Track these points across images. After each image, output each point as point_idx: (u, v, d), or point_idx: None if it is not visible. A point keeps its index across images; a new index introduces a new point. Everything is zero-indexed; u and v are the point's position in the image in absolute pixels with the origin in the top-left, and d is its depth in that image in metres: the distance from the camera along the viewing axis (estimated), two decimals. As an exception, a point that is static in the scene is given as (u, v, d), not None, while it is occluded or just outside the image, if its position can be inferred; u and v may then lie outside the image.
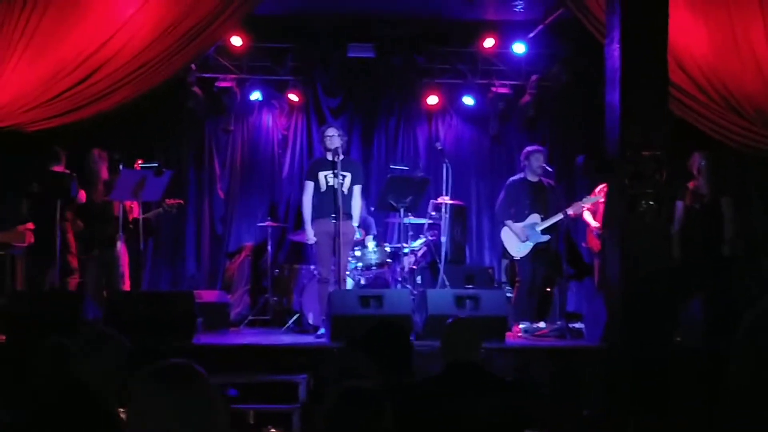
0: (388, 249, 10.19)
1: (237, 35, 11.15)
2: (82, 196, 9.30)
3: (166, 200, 9.70)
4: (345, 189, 8.89)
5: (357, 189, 9.11)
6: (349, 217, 8.99)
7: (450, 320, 4.79)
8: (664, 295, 7.92)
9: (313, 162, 9.42)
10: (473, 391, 4.39)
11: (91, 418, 3.50)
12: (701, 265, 9.34)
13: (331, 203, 8.74)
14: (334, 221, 8.69)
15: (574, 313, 10.21)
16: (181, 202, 10.21)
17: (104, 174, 9.44)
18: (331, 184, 8.84)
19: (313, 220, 8.98)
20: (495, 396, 4.44)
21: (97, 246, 9.34)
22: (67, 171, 9.31)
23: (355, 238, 9.51)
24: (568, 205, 9.52)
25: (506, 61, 12.18)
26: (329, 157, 8.90)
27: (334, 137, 8.93)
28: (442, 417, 4.02)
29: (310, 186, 9.01)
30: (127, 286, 9.26)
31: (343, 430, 2.62)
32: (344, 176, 8.88)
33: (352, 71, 12.13)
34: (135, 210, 9.45)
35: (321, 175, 8.90)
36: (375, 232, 10.68)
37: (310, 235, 8.96)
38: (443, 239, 10.05)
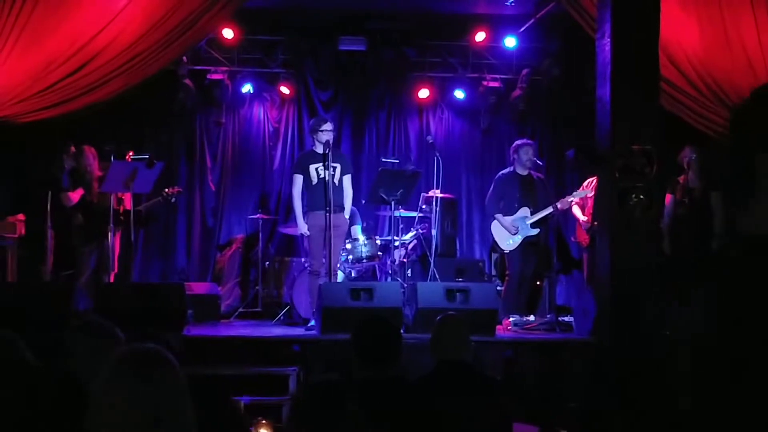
0: (378, 242, 10.19)
1: (228, 27, 11.15)
2: (75, 197, 9.26)
3: (166, 189, 9.70)
4: (336, 181, 8.90)
5: (347, 179, 9.12)
6: (342, 209, 9.00)
7: (439, 318, 4.80)
8: (654, 289, 7.96)
9: (302, 155, 9.39)
10: (462, 391, 4.41)
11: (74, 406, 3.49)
12: (690, 259, 9.38)
13: (323, 196, 8.74)
14: (335, 214, 8.72)
15: (563, 307, 10.25)
16: (180, 189, 10.20)
17: (97, 171, 9.41)
18: (322, 176, 8.83)
19: (306, 213, 8.98)
20: (483, 396, 4.46)
21: (93, 239, 9.33)
22: (64, 164, 9.34)
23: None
24: (558, 199, 9.55)
25: (497, 55, 12.18)
26: (319, 149, 8.90)
27: (330, 132, 8.95)
28: (431, 416, 4.03)
29: (299, 179, 8.99)
30: (112, 277, 9.24)
31: (311, 423, 2.67)
32: (335, 167, 8.88)
33: (343, 64, 12.13)
34: (127, 201, 9.43)
35: (312, 168, 8.89)
36: (360, 223, 10.66)
37: (304, 228, 8.95)
38: (434, 232, 10.07)
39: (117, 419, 2.26)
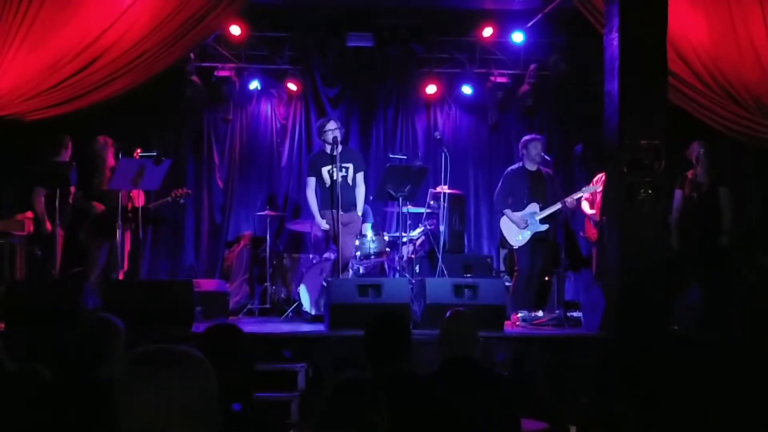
0: (386, 238, 10.18)
1: (236, 24, 11.14)
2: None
3: (175, 191, 9.70)
4: (350, 180, 8.95)
5: (360, 177, 9.17)
6: (355, 206, 9.05)
7: (449, 313, 4.78)
8: (662, 284, 7.95)
9: (314, 157, 9.41)
10: (470, 388, 4.39)
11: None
12: (698, 254, 9.36)
13: (338, 195, 8.77)
14: (348, 212, 8.73)
15: (572, 302, 10.23)
16: (189, 192, 10.17)
17: (111, 161, 9.36)
18: (335, 177, 8.86)
19: (322, 210, 9.04)
20: (491, 392, 4.44)
21: (103, 235, 9.32)
22: (68, 160, 9.33)
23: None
24: (566, 195, 9.53)
25: (505, 51, 12.17)
26: (329, 150, 8.92)
27: (336, 130, 8.97)
28: (438, 413, 4.02)
29: (312, 181, 9.07)
30: (121, 275, 9.24)
31: (339, 422, 2.61)
32: (347, 167, 8.92)
33: (350, 60, 12.12)
34: (135, 199, 9.42)
35: (324, 170, 8.93)
36: (372, 220, 10.67)
37: (323, 223, 9.02)
38: (442, 228, 10.06)
39: (144, 417, 2.23)
